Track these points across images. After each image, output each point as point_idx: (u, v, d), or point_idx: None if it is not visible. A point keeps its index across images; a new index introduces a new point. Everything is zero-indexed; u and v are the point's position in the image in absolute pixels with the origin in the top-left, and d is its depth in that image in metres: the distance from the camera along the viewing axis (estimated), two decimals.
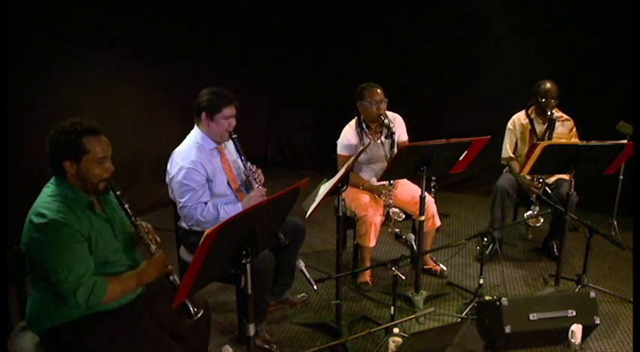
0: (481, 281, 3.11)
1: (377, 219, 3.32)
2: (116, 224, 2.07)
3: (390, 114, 3.37)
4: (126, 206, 2.02)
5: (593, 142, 2.98)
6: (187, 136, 2.82)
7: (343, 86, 4.81)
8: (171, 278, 2.05)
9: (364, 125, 3.42)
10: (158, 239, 2.15)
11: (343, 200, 2.87)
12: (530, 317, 2.62)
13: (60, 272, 1.82)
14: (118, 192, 2.02)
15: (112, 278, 1.96)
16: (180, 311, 2.08)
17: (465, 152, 3.02)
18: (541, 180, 3.66)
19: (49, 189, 1.94)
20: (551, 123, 3.66)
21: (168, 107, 5.10)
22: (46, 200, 1.89)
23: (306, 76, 6.42)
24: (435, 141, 2.84)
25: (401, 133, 3.45)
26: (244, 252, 1.75)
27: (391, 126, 3.26)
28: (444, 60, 5.50)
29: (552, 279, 3.46)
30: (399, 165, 2.94)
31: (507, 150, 3.85)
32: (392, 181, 3.36)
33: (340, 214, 2.79)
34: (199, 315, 2.03)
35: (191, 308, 2.02)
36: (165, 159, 2.79)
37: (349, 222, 3.45)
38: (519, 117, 3.84)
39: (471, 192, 5.58)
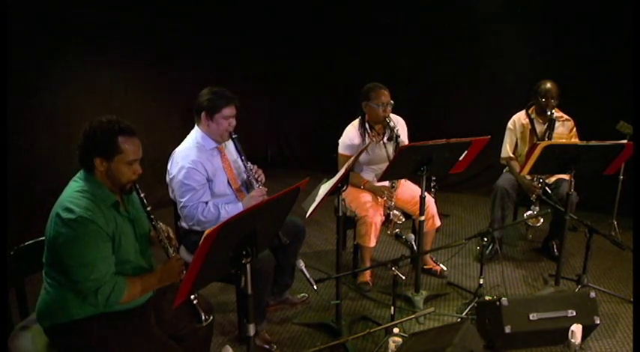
0: (481, 281, 3.12)
1: (377, 219, 3.32)
2: (137, 224, 2.08)
3: (393, 116, 3.36)
4: (148, 209, 2.03)
5: (593, 142, 2.98)
6: (187, 136, 2.82)
7: (343, 86, 4.83)
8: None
9: (367, 126, 3.42)
10: (175, 241, 2.16)
11: (343, 200, 2.87)
12: (530, 317, 2.62)
13: (83, 270, 1.83)
14: (142, 195, 2.03)
15: (131, 278, 1.97)
16: (183, 311, 2.08)
17: (465, 152, 3.02)
18: (541, 180, 3.66)
19: (76, 183, 1.94)
20: (551, 123, 3.66)
21: (168, 107, 5.11)
22: (73, 195, 1.88)
23: (306, 76, 6.42)
24: (435, 141, 2.84)
25: (403, 136, 3.45)
26: (244, 252, 1.75)
27: (396, 129, 3.26)
28: (444, 60, 5.50)
29: (552, 279, 3.46)
30: (399, 165, 2.94)
31: (507, 150, 3.85)
32: (394, 183, 3.36)
33: (340, 214, 2.79)
34: (209, 321, 2.04)
35: (202, 315, 2.02)
36: (165, 159, 2.79)
37: (349, 222, 3.45)
38: (519, 117, 3.84)
39: (471, 192, 5.58)
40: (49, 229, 1.88)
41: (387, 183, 3.37)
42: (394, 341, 2.44)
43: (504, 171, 3.96)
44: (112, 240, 1.92)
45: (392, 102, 3.31)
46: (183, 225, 2.80)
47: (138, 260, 2.05)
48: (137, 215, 2.09)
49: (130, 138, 1.96)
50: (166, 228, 2.14)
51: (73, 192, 1.90)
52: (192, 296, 2.01)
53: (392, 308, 2.68)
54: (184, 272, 2.06)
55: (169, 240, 2.10)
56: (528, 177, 3.67)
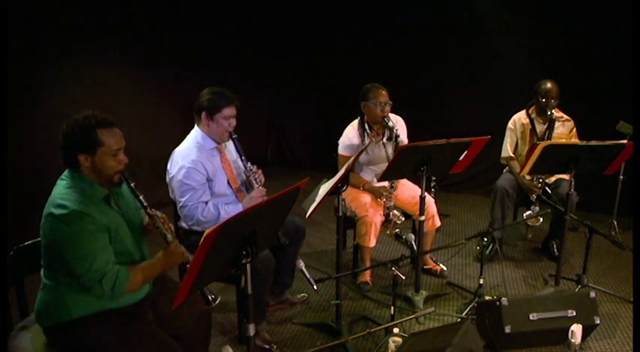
0: (481, 281, 3.11)
1: (377, 219, 3.32)
2: (130, 216, 2.08)
3: (392, 116, 3.37)
4: (140, 197, 2.03)
5: (593, 142, 2.98)
6: (188, 136, 2.82)
7: (343, 86, 4.82)
8: (188, 266, 2.05)
9: (367, 126, 3.42)
10: (172, 228, 2.16)
11: (343, 200, 2.87)
12: (530, 317, 2.62)
13: (84, 262, 1.83)
14: (132, 184, 2.02)
15: (133, 267, 1.97)
16: (182, 310, 2.08)
17: (465, 152, 3.02)
18: (541, 180, 3.66)
19: (63, 181, 1.94)
20: (551, 123, 3.66)
21: (168, 107, 5.11)
22: (63, 192, 1.88)
23: (306, 76, 6.42)
24: (435, 141, 2.84)
25: (403, 136, 3.44)
26: (244, 252, 1.75)
27: (396, 129, 3.26)
28: (444, 60, 5.50)
29: (552, 279, 3.46)
30: (399, 165, 2.94)
31: (507, 150, 3.85)
32: (393, 184, 3.36)
33: (340, 214, 2.79)
34: (217, 302, 2.04)
35: (209, 296, 2.02)
36: (165, 159, 2.79)
37: (349, 222, 3.45)
38: (520, 117, 3.84)
39: (470, 192, 5.58)
40: (43, 229, 1.88)
41: (386, 184, 3.37)
42: (394, 341, 2.44)
43: (504, 171, 3.96)
44: (109, 232, 1.92)
45: (390, 102, 3.31)
46: (183, 225, 2.79)
47: (135, 251, 2.06)
48: (129, 208, 2.10)
49: (109, 129, 1.95)
50: (162, 215, 2.13)
51: (63, 188, 1.90)
52: None
53: (392, 308, 2.69)
54: (186, 254, 2.06)
55: (166, 225, 2.09)
56: (528, 177, 3.67)
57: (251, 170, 2.82)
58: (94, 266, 1.84)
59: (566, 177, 3.38)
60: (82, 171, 1.94)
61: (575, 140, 3.67)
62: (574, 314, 2.65)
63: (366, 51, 5.89)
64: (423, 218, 3.16)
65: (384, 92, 3.30)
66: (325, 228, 4.55)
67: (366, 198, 3.39)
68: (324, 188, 2.66)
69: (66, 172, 1.97)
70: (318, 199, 2.61)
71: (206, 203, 2.71)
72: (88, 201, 1.88)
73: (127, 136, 2.03)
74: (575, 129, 3.75)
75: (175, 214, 2.86)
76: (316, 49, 6.26)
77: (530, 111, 3.80)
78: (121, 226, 2.00)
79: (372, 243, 3.35)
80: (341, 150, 3.44)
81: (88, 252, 1.84)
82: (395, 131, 3.26)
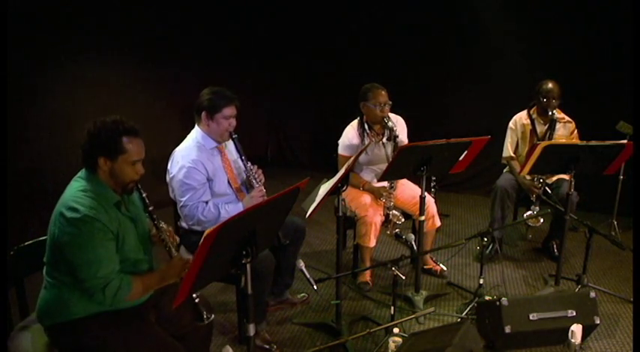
0: (481, 281, 3.11)
1: (377, 219, 3.32)
2: (139, 223, 2.08)
3: (392, 116, 3.37)
4: (150, 208, 2.04)
5: (593, 142, 2.98)
6: (188, 136, 2.82)
7: (343, 86, 4.83)
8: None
9: (366, 126, 3.42)
10: (177, 240, 2.17)
11: (343, 200, 2.87)
12: (530, 317, 2.62)
13: (89, 268, 1.84)
14: (144, 195, 2.04)
15: (136, 277, 1.98)
16: (184, 310, 2.09)
17: (465, 152, 3.02)
18: (541, 180, 3.66)
19: (78, 183, 1.94)
20: (552, 123, 3.66)
21: (168, 106, 5.11)
22: (77, 194, 1.89)
23: (306, 76, 6.42)
24: (435, 141, 2.84)
25: (403, 136, 3.45)
26: (244, 252, 1.75)
27: (395, 129, 3.26)
28: (444, 60, 5.50)
29: (552, 279, 3.46)
30: (399, 165, 2.94)
31: (508, 150, 3.85)
32: (393, 184, 3.36)
33: (340, 214, 2.79)
34: (210, 320, 2.04)
35: (204, 313, 2.02)
36: (165, 159, 2.79)
37: (349, 222, 3.45)
38: (521, 117, 3.83)
39: (471, 192, 5.58)
40: (52, 229, 1.89)
41: (386, 184, 3.37)
42: (394, 341, 2.44)
43: (504, 171, 3.96)
44: (116, 239, 1.93)
45: (390, 102, 3.31)
46: (183, 224, 2.80)
47: (139, 258, 2.06)
48: (137, 214, 2.10)
49: (134, 139, 1.97)
50: (168, 228, 2.15)
51: (77, 191, 1.90)
52: (193, 295, 2.02)
53: (392, 308, 2.69)
54: (185, 271, 2.07)
55: (171, 239, 2.10)
56: (528, 177, 3.67)
57: (251, 170, 2.82)
58: (99, 274, 1.85)
59: (566, 177, 3.38)
60: (99, 174, 1.95)
61: (576, 141, 3.67)
62: (574, 314, 2.65)
63: (366, 51, 5.89)
64: (423, 218, 3.16)
65: (383, 92, 3.30)
66: (325, 228, 4.54)
67: (366, 198, 3.39)
68: (324, 188, 2.66)
69: (82, 173, 1.97)
70: (318, 199, 2.61)
71: (206, 202, 2.71)
72: (100, 206, 1.89)
73: None
74: (576, 131, 3.74)
75: (175, 214, 2.86)
76: (316, 49, 6.26)
77: (531, 112, 3.80)
78: (128, 232, 2.00)
79: (372, 243, 3.36)
80: (341, 150, 3.44)
81: (95, 259, 1.84)
82: (394, 131, 3.26)
